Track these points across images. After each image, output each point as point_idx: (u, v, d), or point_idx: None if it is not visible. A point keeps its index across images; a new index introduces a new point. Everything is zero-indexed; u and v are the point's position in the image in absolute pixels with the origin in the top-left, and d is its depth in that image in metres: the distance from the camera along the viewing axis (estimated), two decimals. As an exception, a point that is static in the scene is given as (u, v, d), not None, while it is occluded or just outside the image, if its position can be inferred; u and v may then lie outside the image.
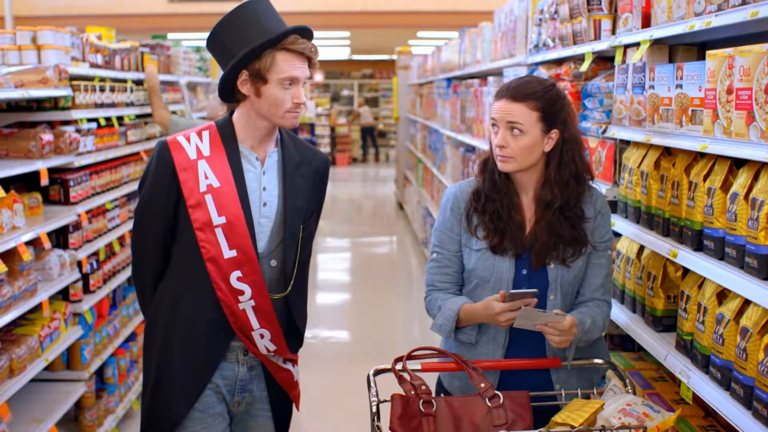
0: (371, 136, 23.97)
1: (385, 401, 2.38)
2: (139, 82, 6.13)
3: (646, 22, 2.74)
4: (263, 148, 2.59)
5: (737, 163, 2.20)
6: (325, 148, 21.47)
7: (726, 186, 2.19)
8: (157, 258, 2.61)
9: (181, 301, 2.57)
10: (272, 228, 2.58)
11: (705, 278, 2.31)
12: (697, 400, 2.62)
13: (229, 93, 2.54)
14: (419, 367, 2.48)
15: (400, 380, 2.40)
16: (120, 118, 5.55)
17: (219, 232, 2.49)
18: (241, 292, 2.53)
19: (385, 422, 2.33)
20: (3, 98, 3.81)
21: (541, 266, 2.50)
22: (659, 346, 2.56)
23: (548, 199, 2.47)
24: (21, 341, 3.95)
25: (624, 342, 3.42)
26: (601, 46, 3.09)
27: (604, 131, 3.08)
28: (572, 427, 2.13)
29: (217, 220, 2.48)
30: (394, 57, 24.73)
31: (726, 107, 2.10)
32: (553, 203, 2.47)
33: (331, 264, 9.95)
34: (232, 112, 2.61)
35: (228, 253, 2.50)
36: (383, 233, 12.40)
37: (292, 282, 2.60)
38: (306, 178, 2.62)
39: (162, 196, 2.53)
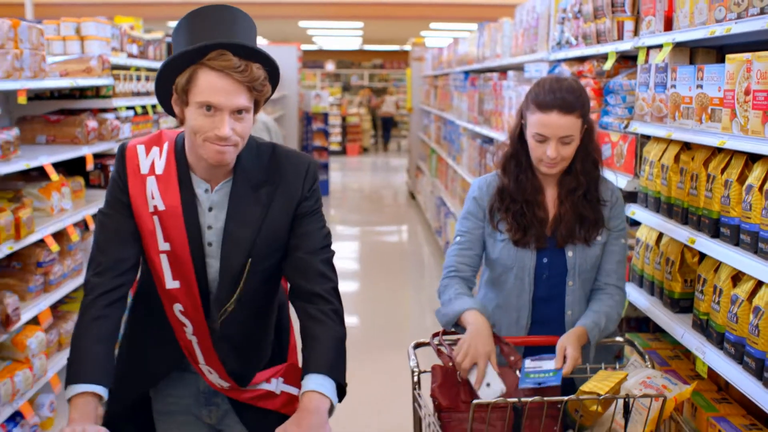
0: (388, 126, 24.22)
1: (425, 372, 2.60)
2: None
3: (668, 26, 2.95)
4: (214, 177, 2.21)
5: (753, 158, 2.40)
6: (336, 138, 21.66)
7: (742, 179, 2.40)
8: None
9: (137, 305, 2.38)
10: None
11: (721, 263, 2.52)
12: (711, 376, 2.84)
13: (170, 109, 2.17)
14: (455, 339, 2.69)
15: (439, 353, 2.62)
16: (153, 106, 5.77)
17: (163, 258, 2.22)
18: (185, 325, 2.29)
19: (424, 391, 2.55)
20: (54, 87, 4.03)
21: (563, 246, 2.70)
22: (676, 325, 2.78)
23: (573, 186, 2.67)
24: (67, 317, 4.18)
25: (640, 325, 3.64)
26: (625, 46, 3.30)
27: (626, 126, 3.29)
28: (598, 395, 2.35)
29: (162, 245, 2.20)
30: (406, 47, 24.97)
31: (743, 107, 2.31)
32: (578, 189, 2.67)
33: (341, 252, 10.10)
34: None
35: (170, 284, 2.23)
36: (395, 222, 12.59)
37: (220, 324, 2.28)
38: (265, 203, 2.22)
39: (119, 205, 2.20)
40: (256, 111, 2.15)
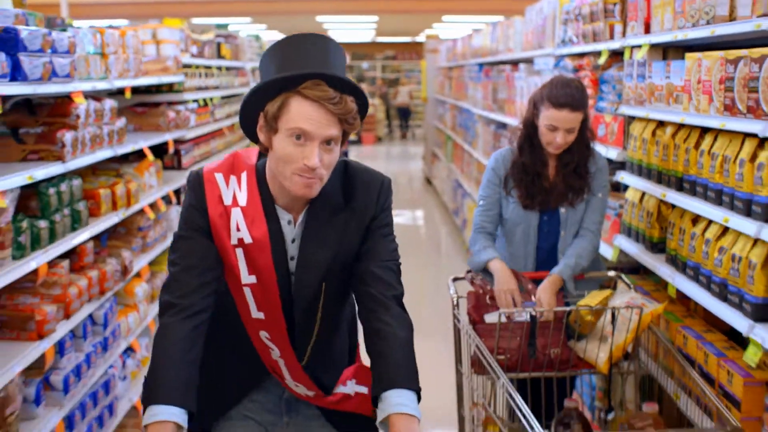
0: (405, 116, 25.05)
1: (462, 297, 3.45)
2: (219, 68, 7.18)
3: (647, 30, 3.76)
4: (296, 208, 2.20)
5: (704, 130, 3.23)
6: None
7: (697, 146, 3.23)
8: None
9: (212, 329, 2.22)
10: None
11: (685, 209, 3.35)
12: (681, 301, 3.66)
13: (254, 136, 2.17)
14: (481, 279, 3.54)
15: (472, 283, 3.46)
16: (210, 99, 6.62)
17: (247, 291, 2.20)
18: (271, 349, 2.29)
19: (461, 312, 3.39)
20: (148, 84, 4.87)
21: (555, 209, 3.53)
22: (655, 262, 3.61)
23: (567, 161, 3.51)
24: (157, 275, 5.03)
25: (630, 270, 4.46)
26: (614, 45, 4.13)
27: (616, 109, 4.11)
28: (591, 307, 3.19)
29: (247, 278, 2.18)
30: (418, 39, 25.75)
31: (696, 93, 3.13)
32: (571, 164, 3.51)
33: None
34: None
35: (255, 314, 2.23)
36: (412, 205, 13.37)
37: (309, 349, 2.30)
38: (341, 227, 2.21)
39: (200, 230, 2.16)
40: (343, 143, 2.12)
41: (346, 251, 2.22)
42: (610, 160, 4.06)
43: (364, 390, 2.41)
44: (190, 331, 2.05)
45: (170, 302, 2.08)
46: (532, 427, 2.59)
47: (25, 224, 3.11)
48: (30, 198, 3.30)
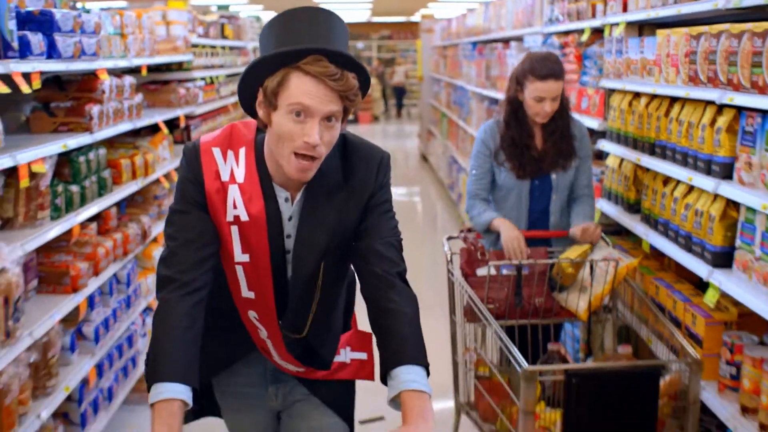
0: (400, 95, 25.38)
1: (455, 254, 3.79)
2: (223, 48, 7.50)
3: (625, 8, 4.09)
4: (294, 186, 2.16)
5: (673, 100, 3.57)
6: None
7: (667, 113, 3.56)
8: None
9: (212, 298, 2.17)
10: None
11: (657, 172, 3.69)
12: (655, 257, 4.01)
13: (253, 111, 2.12)
14: (474, 234, 3.88)
15: (465, 240, 3.80)
16: (216, 77, 6.95)
17: (239, 270, 2.18)
18: (259, 329, 2.30)
19: (454, 267, 3.74)
20: (160, 62, 5.19)
21: (547, 174, 3.86)
22: (631, 221, 3.95)
23: (553, 128, 3.83)
24: (170, 242, 5.35)
25: (612, 233, 4.81)
26: (595, 23, 4.46)
27: (598, 83, 4.44)
28: (571, 259, 3.53)
29: (240, 257, 2.15)
30: (413, 19, 25.98)
31: (666, 66, 3.47)
32: (557, 131, 3.84)
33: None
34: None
35: (246, 293, 2.22)
36: (409, 182, 13.69)
37: (308, 324, 2.28)
38: (340, 206, 2.17)
39: (197, 205, 2.11)
40: (343, 120, 2.07)
41: (344, 229, 2.19)
42: (592, 130, 4.41)
43: (361, 356, 2.45)
44: (191, 307, 2.01)
45: (170, 277, 2.04)
46: (517, 362, 2.94)
47: (60, 188, 3.45)
48: (63, 165, 3.63)
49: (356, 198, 2.18)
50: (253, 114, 2.11)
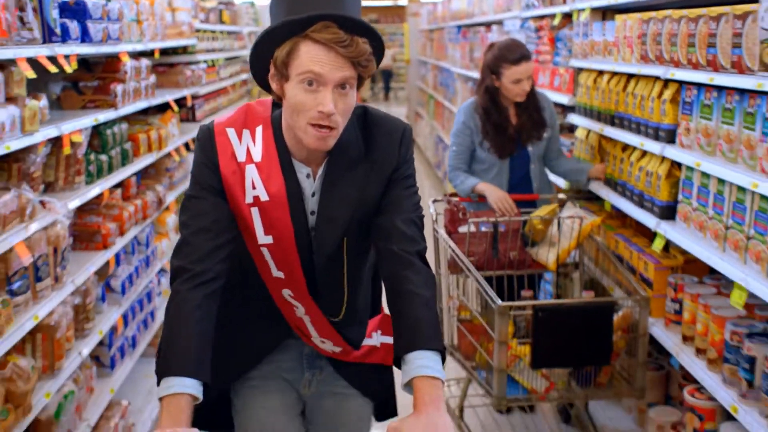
0: (387, 78, 25.83)
1: (440, 214, 4.28)
2: (222, 33, 7.95)
3: (590, -5, 4.58)
4: (315, 161, 2.11)
5: (629, 77, 4.06)
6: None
7: (624, 88, 4.06)
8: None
9: (231, 288, 2.17)
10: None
11: (616, 140, 4.18)
12: (619, 218, 4.51)
13: (267, 85, 2.08)
14: (457, 198, 4.38)
15: (448, 203, 4.30)
16: (216, 60, 7.41)
17: (265, 251, 2.13)
18: (295, 307, 2.24)
19: (439, 226, 4.24)
20: (170, 46, 5.66)
21: (525, 147, 4.37)
22: (596, 186, 4.45)
23: (525, 104, 4.32)
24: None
25: (581, 198, 5.31)
26: (565, 8, 4.95)
27: (567, 63, 4.94)
28: (541, 216, 4.03)
29: (263, 239, 2.10)
30: (400, 2, 26.36)
31: (623, 46, 3.97)
32: (529, 106, 4.33)
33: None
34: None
35: (276, 273, 2.17)
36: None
37: (344, 307, 2.26)
38: (362, 181, 2.13)
39: (212, 190, 2.06)
40: (359, 87, 2.02)
41: (367, 204, 2.12)
42: (563, 106, 4.91)
43: (390, 340, 2.36)
44: (203, 298, 1.95)
45: (182, 267, 1.98)
46: (493, 301, 3.44)
47: (92, 157, 3.92)
48: (93, 137, 4.10)
49: (378, 171, 2.13)
50: (267, 88, 2.06)
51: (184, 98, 6.02)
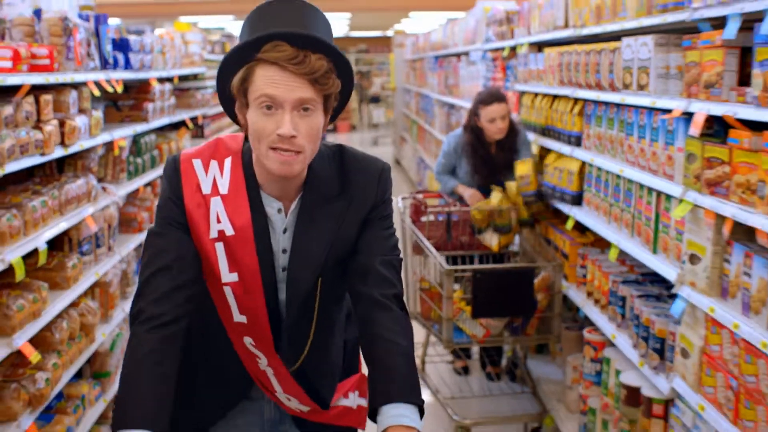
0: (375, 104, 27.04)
1: (407, 208, 5.35)
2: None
3: (529, 32, 5.68)
4: (287, 194, 2.01)
5: (554, 97, 5.15)
6: (328, 116, 24.23)
7: (551, 106, 5.14)
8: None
9: (191, 335, 2.03)
10: None
11: (549, 148, 5.26)
12: (554, 212, 5.58)
13: (236, 117, 1.99)
14: (421, 195, 5.44)
15: (413, 199, 5.37)
16: (221, 86, 8.50)
17: (228, 292, 2.00)
18: (258, 357, 2.11)
19: (406, 216, 5.30)
20: (186, 73, 6.74)
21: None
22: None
23: (503, 143, 5.38)
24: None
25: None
26: (511, 43, 6.06)
27: (513, 86, 6.03)
28: (478, 208, 5.09)
29: (227, 276, 1.98)
30: (388, 33, 27.58)
31: (548, 74, 5.06)
32: (507, 144, 5.38)
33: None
34: None
35: (237, 317, 2.04)
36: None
37: (305, 352, 2.12)
38: (337, 218, 2.03)
39: (176, 225, 1.96)
40: (327, 110, 1.92)
41: (344, 242, 2.03)
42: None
43: (367, 403, 2.20)
44: (159, 342, 1.83)
45: (141, 310, 1.87)
46: (442, 266, 4.50)
47: (131, 159, 4.99)
48: (132, 144, 5.17)
49: (356, 209, 2.04)
50: (237, 121, 1.98)
51: (195, 117, 7.10)
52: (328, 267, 2.04)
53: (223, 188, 1.96)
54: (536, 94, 5.57)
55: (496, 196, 5.19)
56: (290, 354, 2.12)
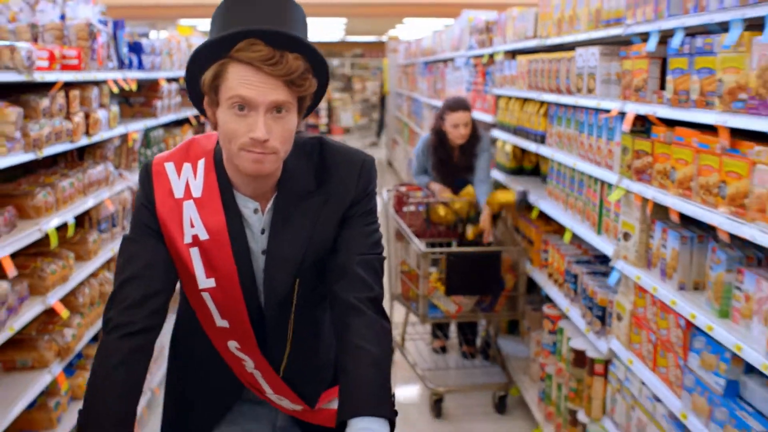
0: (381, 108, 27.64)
1: (392, 199, 5.89)
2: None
3: (504, 41, 6.23)
4: (261, 193, 1.93)
5: (525, 100, 5.70)
6: (322, 120, 24.82)
7: (522, 109, 5.69)
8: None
9: (184, 340, 2.13)
10: None
11: (519, 146, 5.80)
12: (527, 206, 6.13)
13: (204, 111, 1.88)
14: (404, 188, 5.99)
15: (396, 191, 5.91)
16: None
17: (207, 297, 1.94)
18: (243, 360, 2.07)
19: (389, 207, 5.84)
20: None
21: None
22: (510, 182, 6.07)
23: (465, 148, 5.91)
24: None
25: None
26: (490, 50, 6.61)
27: (491, 90, 6.59)
28: (441, 201, 5.64)
29: (204, 282, 1.91)
30: (383, 38, 28.14)
31: (519, 79, 5.61)
32: (468, 149, 5.91)
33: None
34: None
35: (220, 323, 1.99)
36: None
37: (285, 358, 2.07)
38: (314, 215, 1.94)
39: (148, 231, 1.90)
40: (301, 110, 1.84)
41: (321, 242, 1.96)
42: (488, 123, 6.55)
43: None
44: (128, 353, 1.79)
45: (110, 318, 1.83)
46: (418, 247, 5.03)
47: (142, 150, 5.52)
48: (143, 137, 5.70)
49: (333, 206, 1.95)
50: (205, 114, 1.88)
51: (198, 115, 7.63)
52: (305, 267, 1.97)
53: (197, 191, 1.89)
54: (510, 98, 6.12)
55: (457, 200, 5.76)
56: (275, 356, 2.08)
